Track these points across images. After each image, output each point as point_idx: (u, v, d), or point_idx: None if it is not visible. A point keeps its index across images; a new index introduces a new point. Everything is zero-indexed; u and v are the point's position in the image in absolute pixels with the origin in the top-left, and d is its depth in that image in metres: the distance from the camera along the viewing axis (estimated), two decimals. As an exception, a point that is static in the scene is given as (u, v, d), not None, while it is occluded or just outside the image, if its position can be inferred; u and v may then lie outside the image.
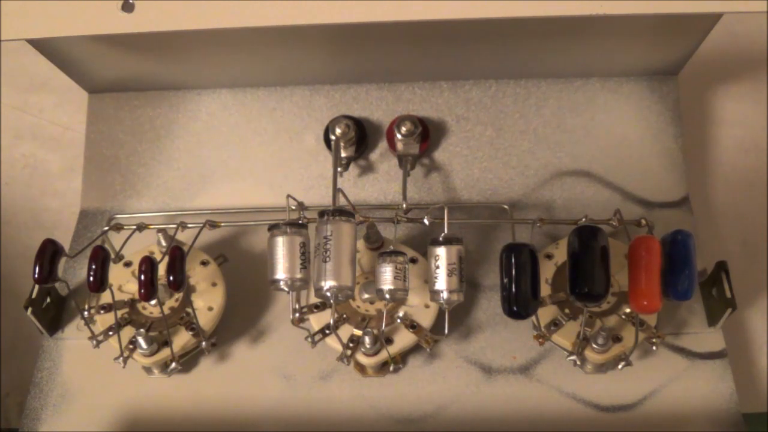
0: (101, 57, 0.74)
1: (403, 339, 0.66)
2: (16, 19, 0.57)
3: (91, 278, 0.63)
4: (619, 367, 0.65)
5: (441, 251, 0.62)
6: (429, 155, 0.78)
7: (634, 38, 0.73)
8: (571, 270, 0.60)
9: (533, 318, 0.63)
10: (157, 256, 0.68)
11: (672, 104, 0.78)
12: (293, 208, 0.66)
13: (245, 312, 0.72)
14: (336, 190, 0.66)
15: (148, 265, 0.62)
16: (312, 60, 0.76)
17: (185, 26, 0.57)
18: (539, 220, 0.68)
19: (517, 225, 0.69)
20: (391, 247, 0.63)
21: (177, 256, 0.63)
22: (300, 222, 0.63)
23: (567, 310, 0.66)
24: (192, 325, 0.67)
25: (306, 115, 0.79)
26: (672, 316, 0.70)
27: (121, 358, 0.65)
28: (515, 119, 0.78)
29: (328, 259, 0.59)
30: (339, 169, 0.74)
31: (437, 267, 0.62)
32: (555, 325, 0.66)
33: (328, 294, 0.59)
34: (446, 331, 0.63)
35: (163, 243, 0.69)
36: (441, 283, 0.61)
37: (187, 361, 0.69)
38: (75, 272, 0.76)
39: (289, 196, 0.65)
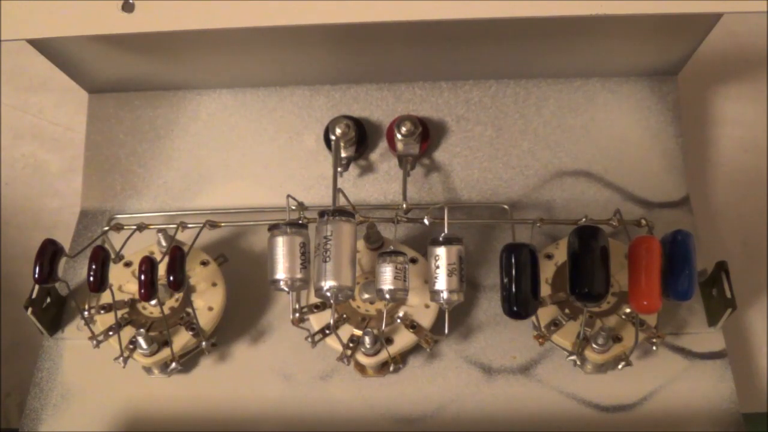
0: (101, 57, 0.74)
1: (403, 339, 0.66)
2: (16, 19, 0.57)
3: (91, 278, 0.62)
4: (619, 367, 0.65)
5: (441, 251, 0.62)
6: (429, 155, 0.78)
7: (634, 38, 0.73)
8: (571, 270, 0.60)
9: (533, 318, 0.63)
10: (157, 256, 0.68)
11: (672, 104, 0.78)
12: (293, 208, 0.66)
13: (245, 312, 0.72)
14: (336, 190, 0.66)
15: (148, 265, 0.62)
16: (312, 60, 0.76)
17: (185, 26, 0.57)
18: (539, 220, 0.68)
19: (517, 225, 0.69)
20: (391, 247, 0.63)
21: (177, 256, 0.63)
22: (300, 222, 0.63)
23: (567, 310, 0.66)
24: (192, 325, 0.67)
25: (306, 115, 0.79)
26: (672, 316, 0.70)
27: (121, 358, 0.65)
28: (515, 119, 0.78)
29: (328, 259, 0.59)
30: (339, 169, 0.74)
31: (437, 267, 0.62)
32: (555, 325, 0.66)
33: (328, 294, 0.59)
34: (446, 331, 0.63)
35: (163, 243, 0.69)
36: (441, 283, 0.61)
37: (187, 361, 0.69)
38: (75, 272, 0.76)
39: (289, 196, 0.65)
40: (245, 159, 0.79)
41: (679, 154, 0.78)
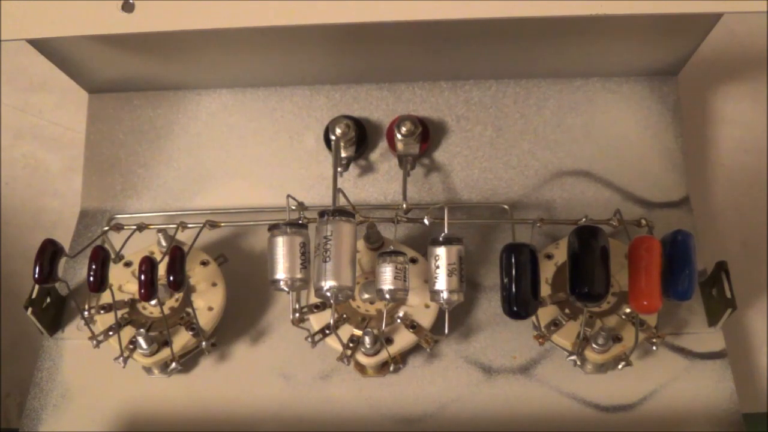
0: (101, 57, 0.74)
1: (403, 339, 0.66)
2: (16, 19, 0.57)
3: (91, 278, 0.63)
4: (619, 367, 0.65)
5: (441, 251, 0.62)
6: (429, 155, 0.78)
7: (634, 38, 0.73)
8: (571, 270, 0.60)
9: (533, 318, 0.63)
10: (157, 256, 0.68)
11: (672, 104, 0.78)
12: (293, 208, 0.66)
13: (245, 312, 0.72)
14: (336, 190, 0.66)
15: (148, 265, 0.62)
16: (312, 60, 0.76)
17: (185, 26, 0.57)
18: (539, 220, 0.68)
19: (517, 225, 0.69)
20: (391, 247, 0.63)
21: (177, 256, 0.63)
22: (300, 222, 0.63)
23: (567, 310, 0.66)
24: (192, 325, 0.67)
25: (306, 115, 0.79)
26: (672, 316, 0.70)
27: (121, 358, 0.65)
28: (515, 119, 0.78)
29: (328, 259, 0.59)
30: (339, 169, 0.74)
31: (437, 267, 0.62)
32: (555, 325, 0.66)
33: (328, 294, 0.59)
34: (446, 331, 0.63)
35: (163, 243, 0.70)
36: (441, 283, 0.61)
37: (187, 361, 0.69)
38: (75, 272, 0.76)
39: (289, 196, 0.65)
40: (245, 159, 0.79)
41: (679, 154, 0.78)
